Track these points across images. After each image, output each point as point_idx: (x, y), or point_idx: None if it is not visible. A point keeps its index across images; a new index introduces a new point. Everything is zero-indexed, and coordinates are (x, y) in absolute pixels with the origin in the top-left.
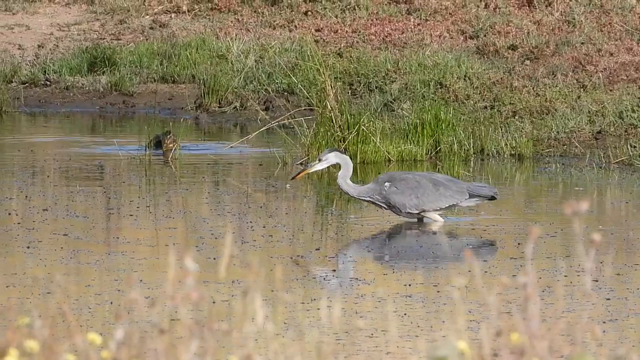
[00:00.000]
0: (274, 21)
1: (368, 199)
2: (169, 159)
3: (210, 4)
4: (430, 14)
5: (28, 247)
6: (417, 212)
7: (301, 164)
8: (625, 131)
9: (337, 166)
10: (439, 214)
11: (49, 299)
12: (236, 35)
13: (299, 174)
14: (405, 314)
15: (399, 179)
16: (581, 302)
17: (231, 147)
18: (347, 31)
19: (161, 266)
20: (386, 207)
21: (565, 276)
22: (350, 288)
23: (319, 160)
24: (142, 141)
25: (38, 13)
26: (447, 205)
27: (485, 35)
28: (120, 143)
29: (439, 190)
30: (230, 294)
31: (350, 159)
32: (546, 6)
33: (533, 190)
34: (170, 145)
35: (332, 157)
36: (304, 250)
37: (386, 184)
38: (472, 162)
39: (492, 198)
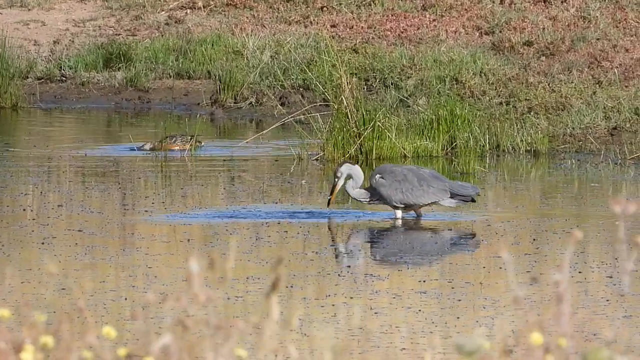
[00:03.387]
0: (290, 17)
1: (368, 200)
2: (184, 155)
3: (225, 0)
4: (445, 10)
5: (43, 243)
6: (403, 205)
7: (316, 159)
8: None
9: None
10: (401, 213)
11: (64, 295)
12: (252, 31)
13: (330, 197)
14: (420, 310)
15: (389, 172)
16: (596, 299)
17: (247, 142)
18: (362, 27)
19: (176, 262)
20: (380, 201)
21: (580, 272)
22: (364, 284)
23: (337, 177)
24: (157, 138)
25: (53, 9)
26: (429, 202)
27: (500, 31)
28: (135, 139)
29: (422, 186)
30: (244, 291)
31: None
32: (562, 2)
33: (548, 186)
34: (175, 147)
35: (344, 169)
36: (318, 247)
37: (377, 175)
38: (487, 158)
39: (472, 200)
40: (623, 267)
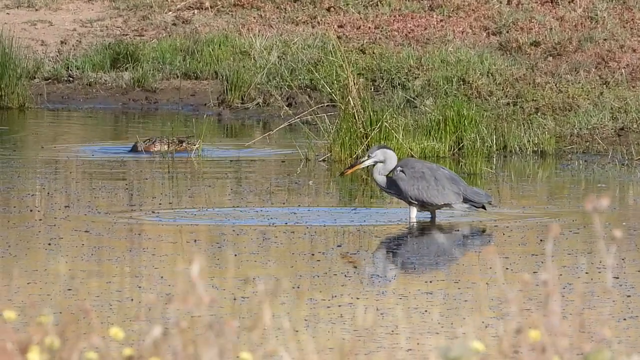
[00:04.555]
0: (297, 17)
1: (387, 189)
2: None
3: (233, 0)
4: (453, 10)
5: (49, 244)
6: (417, 202)
7: (323, 160)
8: None
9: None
10: (415, 212)
11: (70, 296)
12: (259, 31)
13: (349, 168)
14: (426, 311)
15: (410, 166)
16: (602, 299)
17: (253, 142)
18: (369, 27)
19: (182, 263)
20: (397, 194)
21: (587, 273)
22: (371, 285)
23: (368, 156)
24: (163, 138)
25: (61, 9)
26: (442, 203)
27: (508, 32)
28: (141, 140)
29: (437, 187)
30: (251, 291)
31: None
32: (569, 2)
33: (555, 186)
34: (153, 149)
35: (379, 154)
36: (325, 247)
37: (398, 168)
38: (494, 159)
39: (483, 207)
40: (606, 263)
